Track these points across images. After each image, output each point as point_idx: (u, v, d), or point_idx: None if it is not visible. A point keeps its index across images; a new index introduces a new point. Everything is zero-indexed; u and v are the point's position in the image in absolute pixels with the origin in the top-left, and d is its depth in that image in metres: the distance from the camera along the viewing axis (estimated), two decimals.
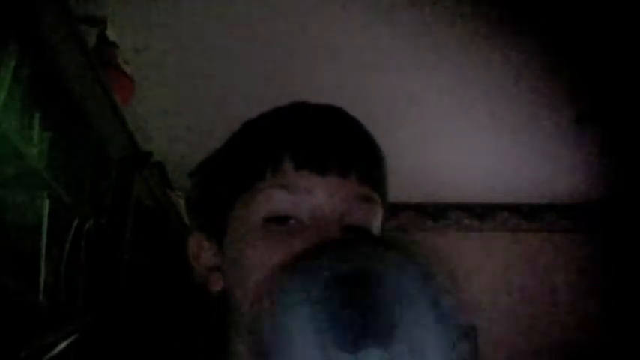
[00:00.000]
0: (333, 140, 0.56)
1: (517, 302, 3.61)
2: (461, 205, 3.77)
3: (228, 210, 0.58)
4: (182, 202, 2.87)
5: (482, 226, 3.78)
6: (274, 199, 0.54)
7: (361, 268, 0.44)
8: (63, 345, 1.49)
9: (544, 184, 3.47)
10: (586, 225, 3.69)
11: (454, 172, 3.36)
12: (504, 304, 3.60)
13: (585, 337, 3.43)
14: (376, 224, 0.58)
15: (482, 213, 3.78)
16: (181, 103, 2.68)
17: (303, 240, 0.53)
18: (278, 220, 0.54)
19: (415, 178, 3.36)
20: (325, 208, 0.54)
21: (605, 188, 3.44)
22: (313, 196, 0.54)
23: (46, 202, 1.61)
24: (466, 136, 2.95)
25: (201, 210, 0.63)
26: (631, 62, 2.30)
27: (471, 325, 3.37)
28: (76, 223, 1.78)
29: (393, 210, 3.44)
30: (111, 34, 2.00)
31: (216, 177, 0.61)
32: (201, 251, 0.61)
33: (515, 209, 3.76)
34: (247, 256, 0.54)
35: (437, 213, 3.79)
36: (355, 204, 0.55)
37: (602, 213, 3.63)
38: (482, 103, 2.67)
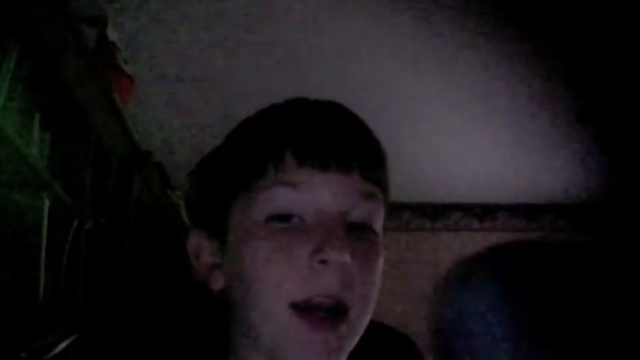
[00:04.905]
0: (335, 136, 0.55)
1: None
2: (461, 205, 3.77)
3: (228, 208, 0.57)
4: (182, 202, 2.87)
5: (482, 226, 3.77)
6: (278, 197, 0.54)
7: None
8: (63, 345, 1.49)
9: (544, 184, 3.46)
10: (586, 225, 3.69)
11: (454, 172, 3.36)
12: None
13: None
14: (378, 222, 0.57)
15: (482, 213, 3.78)
16: (181, 103, 2.68)
17: (308, 238, 0.52)
18: (281, 219, 0.53)
19: (415, 178, 3.36)
20: (328, 206, 0.53)
21: (605, 188, 3.44)
22: (316, 193, 0.53)
23: (46, 202, 1.61)
24: (466, 136, 2.95)
25: (201, 208, 0.62)
26: (631, 61, 2.30)
27: None
28: (76, 223, 1.78)
29: (393, 210, 3.43)
30: (111, 34, 2.00)
31: (216, 174, 0.61)
32: (202, 250, 0.60)
33: (515, 209, 3.76)
34: (251, 256, 0.53)
35: (437, 213, 3.79)
36: (358, 201, 0.55)
37: (602, 213, 3.62)
38: (482, 102, 2.67)
